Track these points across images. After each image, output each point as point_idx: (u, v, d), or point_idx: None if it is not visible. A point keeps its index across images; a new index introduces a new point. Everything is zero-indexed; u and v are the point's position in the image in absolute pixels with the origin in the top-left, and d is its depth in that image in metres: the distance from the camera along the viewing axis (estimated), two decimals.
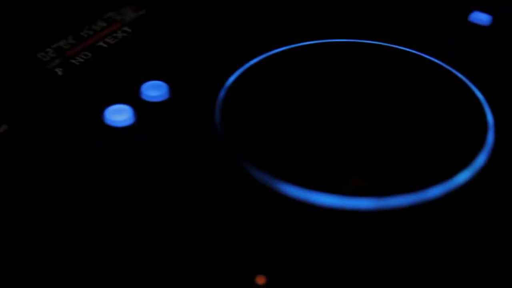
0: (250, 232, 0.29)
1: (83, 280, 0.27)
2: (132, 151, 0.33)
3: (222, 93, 0.36)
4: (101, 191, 0.31)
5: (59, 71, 0.37)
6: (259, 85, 0.36)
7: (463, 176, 0.31)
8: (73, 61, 0.38)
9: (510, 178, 0.31)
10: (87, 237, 0.29)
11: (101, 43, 0.39)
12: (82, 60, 0.38)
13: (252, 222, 0.29)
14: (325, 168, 0.31)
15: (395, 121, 0.34)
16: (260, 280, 0.27)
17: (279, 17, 0.42)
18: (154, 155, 0.33)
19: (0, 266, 0.28)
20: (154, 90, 0.36)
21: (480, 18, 0.42)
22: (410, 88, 0.36)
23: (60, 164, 0.32)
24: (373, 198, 0.30)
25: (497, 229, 0.29)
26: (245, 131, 0.33)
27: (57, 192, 0.31)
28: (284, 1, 0.43)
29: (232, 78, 0.36)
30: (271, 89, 0.36)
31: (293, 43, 0.39)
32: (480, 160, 0.32)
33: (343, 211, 0.30)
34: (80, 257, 0.28)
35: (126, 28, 0.41)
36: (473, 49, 0.40)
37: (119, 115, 0.34)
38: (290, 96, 0.36)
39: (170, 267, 0.28)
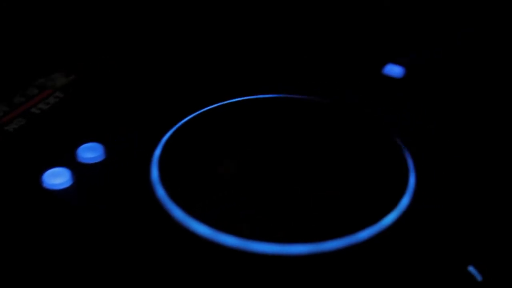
0: (192, 285, 0.30)
1: None
2: (71, 212, 0.34)
3: (157, 150, 0.37)
4: (40, 253, 0.31)
5: None
6: (194, 141, 0.38)
7: (389, 218, 0.33)
8: (7, 128, 0.39)
9: (432, 217, 0.34)
10: None
11: (34, 109, 0.40)
12: (16, 126, 0.39)
13: (193, 276, 0.31)
14: (260, 217, 0.33)
15: (323, 171, 0.36)
16: None
17: (210, 76, 0.44)
18: (93, 215, 0.33)
19: None
20: (90, 152, 0.37)
21: (393, 70, 0.45)
22: (336, 138, 0.38)
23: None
24: (307, 244, 0.32)
25: (423, 266, 0.31)
26: (182, 186, 0.35)
27: None
28: (214, 60, 0.45)
29: (167, 135, 0.38)
30: (205, 145, 0.37)
31: (224, 100, 0.41)
32: (404, 202, 0.34)
33: (278, 257, 0.31)
34: None
35: (57, 94, 0.42)
36: (388, 99, 0.42)
37: (57, 178, 0.35)
38: (224, 150, 0.37)
39: None
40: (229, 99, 0.41)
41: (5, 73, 0.43)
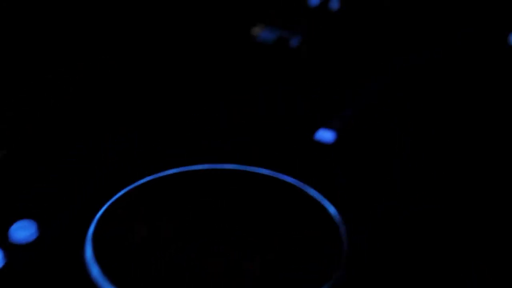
0: None
1: None
2: None
3: (91, 227, 0.37)
4: None
5: None
6: (129, 216, 0.38)
7: None
8: None
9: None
10: None
11: None
12: None
13: None
14: None
15: (258, 241, 0.36)
16: None
17: (145, 147, 0.44)
18: None
19: None
20: (22, 231, 0.36)
21: (325, 135, 0.46)
22: (267, 208, 0.39)
23: None
24: None
25: None
26: (117, 263, 0.35)
27: None
28: (151, 131, 0.45)
29: (101, 211, 0.38)
30: (141, 218, 0.37)
31: (154, 174, 0.41)
32: (339, 275, 0.35)
33: None
34: None
35: None
36: (321, 166, 0.43)
37: None
38: (158, 224, 0.37)
39: None
40: (166, 170, 0.41)
41: None
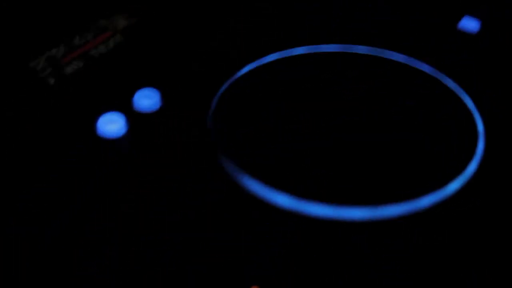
0: (243, 242, 0.29)
1: None
2: (125, 161, 0.33)
3: (215, 101, 0.36)
4: (93, 201, 0.31)
5: (51, 80, 0.37)
6: (252, 93, 0.36)
7: (454, 186, 0.31)
8: (65, 70, 0.38)
9: (499, 187, 0.32)
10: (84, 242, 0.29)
11: (93, 52, 0.39)
12: (74, 68, 0.38)
13: (245, 233, 0.30)
14: (318, 179, 0.32)
15: (388, 132, 0.34)
16: None
17: (270, 26, 0.42)
18: (147, 165, 0.33)
19: None
20: (146, 99, 0.36)
21: (469, 24, 0.42)
22: (401, 97, 0.36)
23: (53, 172, 0.32)
24: (366, 208, 0.30)
25: (488, 237, 0.30)
26: (238, 140, 0.34)
27: (48, 201, 0.31)
28: (275, 9, 0.43)
29: (224, 86, 0.37)
30: (264, 98, 0.36)
31: (285, 51, 0.39)
32: (471, 169, 0.32)
33: (337, 222, 0.30)
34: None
35: (118, 37, 0.41)
36: (463, 57, 0.40)
37: (111, 125, 0.34)
38: (282, 104, 0.36)
39: (168, 277, 0.28)
40: (290, 48, 0.39)
41: (65, 13, 0.43)
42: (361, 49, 0.39)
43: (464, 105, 0.36)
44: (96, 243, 0.29)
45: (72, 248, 0.29)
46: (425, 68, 0.38)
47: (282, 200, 0.31)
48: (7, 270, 0.28)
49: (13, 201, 0.31)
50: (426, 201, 0.31)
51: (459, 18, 0.43)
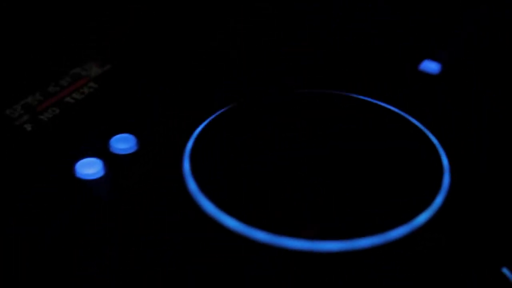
0: (223, 280, 0.30)
1: None
2: (103, 201, 0.34)
3: (190, 143, 0.37)
4: (71, 244, 0.32)
5: (28, 127, 0.38)
6: (226, 135, 0.38)
7: (422, 217, 0.33)
8: (41, 117, 0.39)
9: (466, 217, 0.33)
10: None
11: (68, 99, 0.40)
12: (50, 115, 0.39)
13: (224, 270, 0.30)
14: (294, 214, 0.33)
15: (358, 167, 0.35)
16: None
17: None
18: (124, 206, 0.33)
19: None
20: (123, 143, 0.37)
21: (430, 66, 0.44)
22: (369, 135, 0.38)
23: (30, 217, 0.33)
24: (339, 241, 0.31)
25: (456, 265, 0.31)
26: (213, 179, 0.35)
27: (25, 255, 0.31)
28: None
29: (199, 128, 0.38)
30: (238, 139, 0.37)
31: (257, 94, 0.41)
32: (438, 201, 0.34)
33: (311, 254, 0.31)
34: None
35: (92, 84, 0.42)
36: (425, 96, 0.42)
37: (89, 168, 0.35)
38: (256, 144, 0.37)
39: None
40: (264, 93, 0.41)
41: (40, 62, 0.44)
42: (332, 92, 0.41)
43: (429, 142, 0.37)
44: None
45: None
46: (390, 107, 0.40)
47: (260, 235, 0.31)
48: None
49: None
50: (396, 232, 0.32)
51: (419, 62, 0.45)
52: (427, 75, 0.44)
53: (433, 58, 0.45)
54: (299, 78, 0.43)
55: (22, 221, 0.30)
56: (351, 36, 0.47)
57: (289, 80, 0.42)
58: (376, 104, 0.40)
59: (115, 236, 0.29)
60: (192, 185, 0.34)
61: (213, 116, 0.39)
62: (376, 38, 0.47)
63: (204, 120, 0.39)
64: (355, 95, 0.41)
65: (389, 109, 0.40)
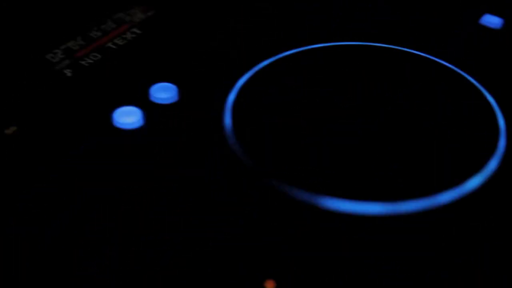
0: (260, 236, 0.29)
1: None
2: (141, 153, 0.33)
3: (231, 96, 0.35)
4: (108, 192, 0.31)
5: (68, 72, 0.37)
6: (268, 88, 0.36)
7: (474, 182, 0.31)
8: (82, 62, 0.38)
9: None
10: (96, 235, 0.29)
11: (110, 44, 0.39)
12: (91, 61, 0.38)
13: (262, 226, 0.29)
14: (336, 173, 0.31)
15: (406, 126, 0.34)
16: (270, 284, 0.27)
17: (286, 19, 0.42)
18: (163, 158, 0.32)
19: None
20: (163, 93, 0.36)
21: (491, 21, 0.42)
22: (422, 92, 0.36)
23: (69, 165, 0.32)
24: (384, 203, 0.30)
25: (506, 234, 0.29)
26: (254, 135, 0.33)
27: (64, 194, 0.31)
28: (289, 6, 0.43)
29: (241, 81, 0.36)
30: (280, 93, 0.36)
31: (302, 46, 0.39)
32: (492, 165, 0.32)
33: (354, 216, 0.30)
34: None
35: (135, 29, 0.40)
36: (484, 53, 0.39)
37: (128, 117, 0.34)
38: (299, 100, 0.35)
39: (179, 270, 0.28)
40: (308, 45, 0.39)
41: (82, 6, 0.43)
42: (382, 45, 0.39)
43: (485, 101, 0.35)
44: (96, 243, 0.29)
45: (72, 248, 0.29)
46: (446, 63, 0.38)
47: (301, 195, 0.30)
48: (7, 270, 0.28)
49: (13, 201, 0.31)
50: (445, 197, 0.30)
51: (480, 16, 0.43)
52: (488, 30, 0.41)
53: (495, 12, 0.43)
54: (342, 30, 0.41)
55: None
56: None
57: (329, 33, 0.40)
58: (431, 60, 0.38)
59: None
60: (231, 140, 0.33)
61: (256, 69, 0.37)
62: None
63: (246, 72, 0.37)
64: (408, 50, 0.39)
65: (445, 66, 0.38)
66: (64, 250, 0.28)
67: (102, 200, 0.30)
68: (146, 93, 0.36)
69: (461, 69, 0.37)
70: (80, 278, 0.27)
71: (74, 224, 0.29)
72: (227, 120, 0.34)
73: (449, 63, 0.38)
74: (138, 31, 0.40)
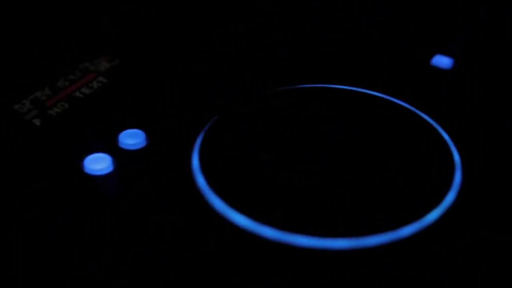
0: (229, 276, 0.30)
1: None
2: (110, 198, 0.34)
3: (199, 139, 0.36)
4: (81, 238, 0.31)
5: (37, 122, 0.38)
6: (235, 131, 0.37)
7: (433, 215, 0.32)
8: (50, 111, 0.39)
9: (477, 215, 0.33)
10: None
11: (77, 93, 0.40)
12: (59, 110, 0.39)
13: (234, 267, 0.30)
14: (304, 212, 0.32)
15: (367, 163, 0.35)
16: None
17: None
18: (132, 201, 0.33)
19: None
20: (131, 138, 0.37)
21: (442, 61, 0.44)
22: (380, 131, 0.37)
23: (40, 213, 0.33)
24: (348, 238, 0.31)
25: (467, 264, 0.30)
26: (222, 176, 0.34)
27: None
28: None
29: (208, 124, 0.37)
30: (247, 135, 0.37)
31: (268, 88, 0.40)
32: (449, 198, 0.33)
33: (320, 251, 0.31)
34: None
35: (101, 78, 0.42)
36: (437, 92, 0.41)
37: (98, 163, 0.35)
38: (266, 140, 0.37)
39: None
40: (271, 88, 0.40)
41: (48, 57, 0.43)
42: (342, 87, 0.41)
43: (440, 138, 0.37)
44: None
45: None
46: (401, 103, 0.39)
47: (269, 232, 0.31)
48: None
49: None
50: (406, 230, 0.31)
51: (431, 56, 0.45)
52: (439, 70, 0.43)
53: (445, 52, 0.45)
54: (305, 74, 0.42)
55: (22, 221, 0.30)
56: (359, 30, 0.47)
57: (294, 77, 0.42)
58: (387, 100, 0.40)
59: (115, 236, 0.29)
60: (200, 181, 0.34)
61: (221, 113, 0.38)
62: (386, 32, 0.47)
63: (212, 117, 0.38)
64: (365, 90, 0.40)
65: (401, 105, 0.39)
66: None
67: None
68: (115, 140, 0.37)
69: (417, 108, 0.39)
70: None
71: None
72: (195, 162, 0.35)
73: (405, 102, 0.40)
74: (104, 80, 0.41)
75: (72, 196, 0.31)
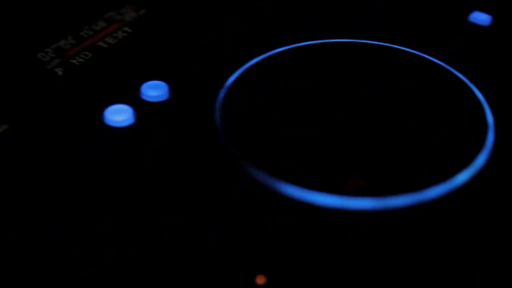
0: (250, 232, 0.29)
1: None
2: (132, 151, 0.33)
3: (222, 93, 0.36)
4: (99, 191, 0.31)
5: (59, 71, 0.37)
6: (260, 85, 0.36)
7: (463, 176, 0.31)
8: (73, 61, 0.38)
9: (509, 178, 0.31)
10: (87, 237, 0.29)
11: (101, 43, 0.39)
12: (82, 60, 0.38)
13: (252, 222, 0.29)
14: (325, 169, 0.31)
15: (395, 121, 0.34)
16: (260, 279, 0.27)
17: (279, 17, 0.42)
18: (153, 155, 0.33)
19: None
20: (154, 90, 0.36)
21: (480, 18, 0.42)
22: (411, 88, 0.36)
23: (59, 163, 0.32)
24: (373, 198, 0.30)
25: (496, 229, 0.29)
26: (245, 131, 0.33)
27: (54, 193, 0.31)
28: (275, 9, 0.43)
29: (232, 78, 0.36)
30: (272, 89, 0.36)
31: (294, 43, 0.39)
32: (480, 160, 0.32)
33: (343, 211, 0.30)
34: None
35: (126, 28, 0.41)
36: (473, 50, 0.40)
37: (119, 115, 0.34)
38: (291, 96, 0.36)
39: (172, 267, 0.28)
40: (301, 42, 0.39)
41: (73, 5, 0.43)
42: (371, 42, 0.39)
43: (474, 97, 0.35)
44: (96, 243, 0.29)
45: (72, 248, 0.29)
46: (435, 60, 0.38)
47: (290, 190, 0.30)
48: (7, 270, 0.28)
49: (13, 201, 0.31)
50: (434, 191, 0.30)
51: (468, 13, 0.43)
52: (476, 27, 0.42)
53: (484, 9, 0.43)
54: (332, 27, 0.41)
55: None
56: None
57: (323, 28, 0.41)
58: (420, 57, 0.38)
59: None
60: (222, 137, 0.33)
61: (246, 65, 0.37)
62: None
63: (237, 69, 0.37)
64: (398, 46, 0.39)
65: (434, 62, 0.38)
66: (64, 250, 0.28)
67: (102, 200, 0.30)
68: (137, 91, 0.36)
69: (450, 66, 0.38)
70: (80, 278, 0.27)
71: (74, 224, 0.29)
72: (218, 117, 0.34)
73: (438, 59, 0.38)
74: (129, 30, 0.41)
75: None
